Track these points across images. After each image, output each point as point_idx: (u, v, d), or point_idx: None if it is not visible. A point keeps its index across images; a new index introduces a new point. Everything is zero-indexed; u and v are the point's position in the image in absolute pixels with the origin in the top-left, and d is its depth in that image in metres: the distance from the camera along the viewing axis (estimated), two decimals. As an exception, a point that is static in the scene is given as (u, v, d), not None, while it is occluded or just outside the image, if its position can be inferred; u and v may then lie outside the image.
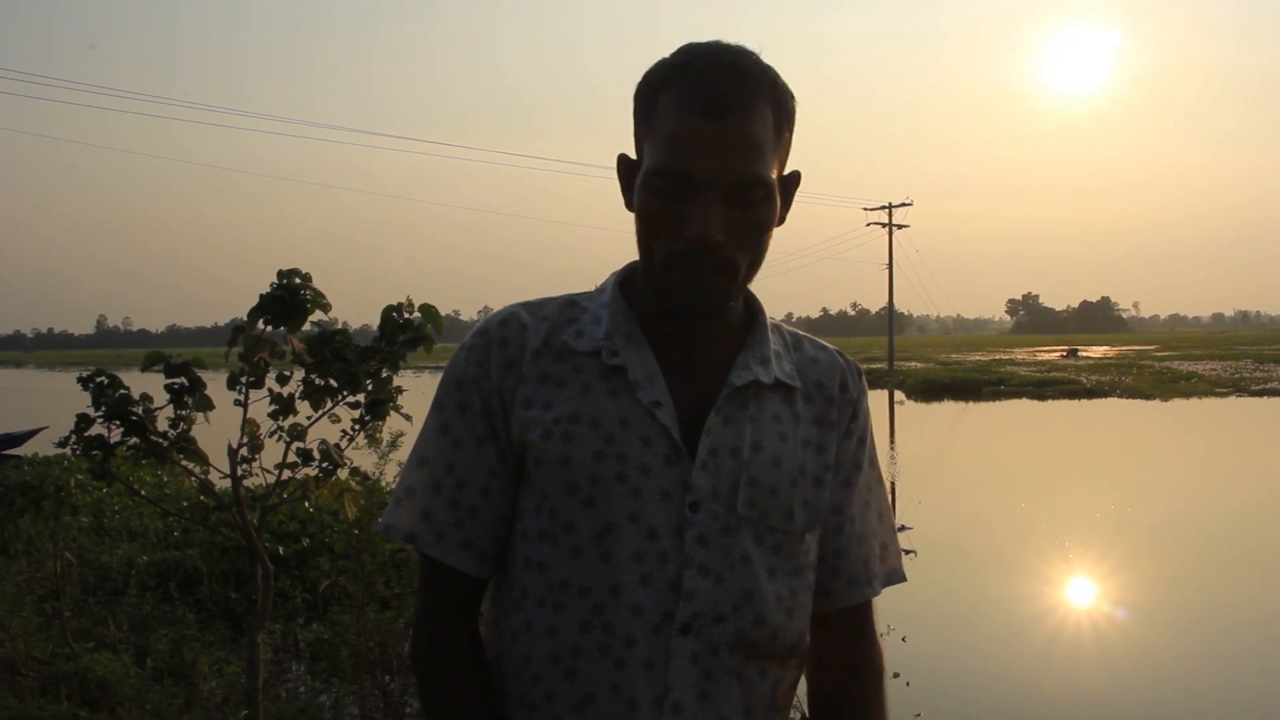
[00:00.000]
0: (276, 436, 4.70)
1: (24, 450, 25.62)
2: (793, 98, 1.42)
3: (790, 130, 1.43)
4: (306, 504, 11.02)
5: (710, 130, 1.34)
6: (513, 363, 1.45)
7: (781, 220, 1.47)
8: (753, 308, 1.54)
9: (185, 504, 11.23)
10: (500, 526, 1.46)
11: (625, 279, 1.53)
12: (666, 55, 1.42)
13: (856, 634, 1.58)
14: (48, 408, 46.35)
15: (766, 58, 1.41)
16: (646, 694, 1.37)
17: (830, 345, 1.60)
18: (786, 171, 1.46)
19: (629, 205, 1.46)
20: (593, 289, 1.56)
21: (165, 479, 15.63)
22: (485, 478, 1.45)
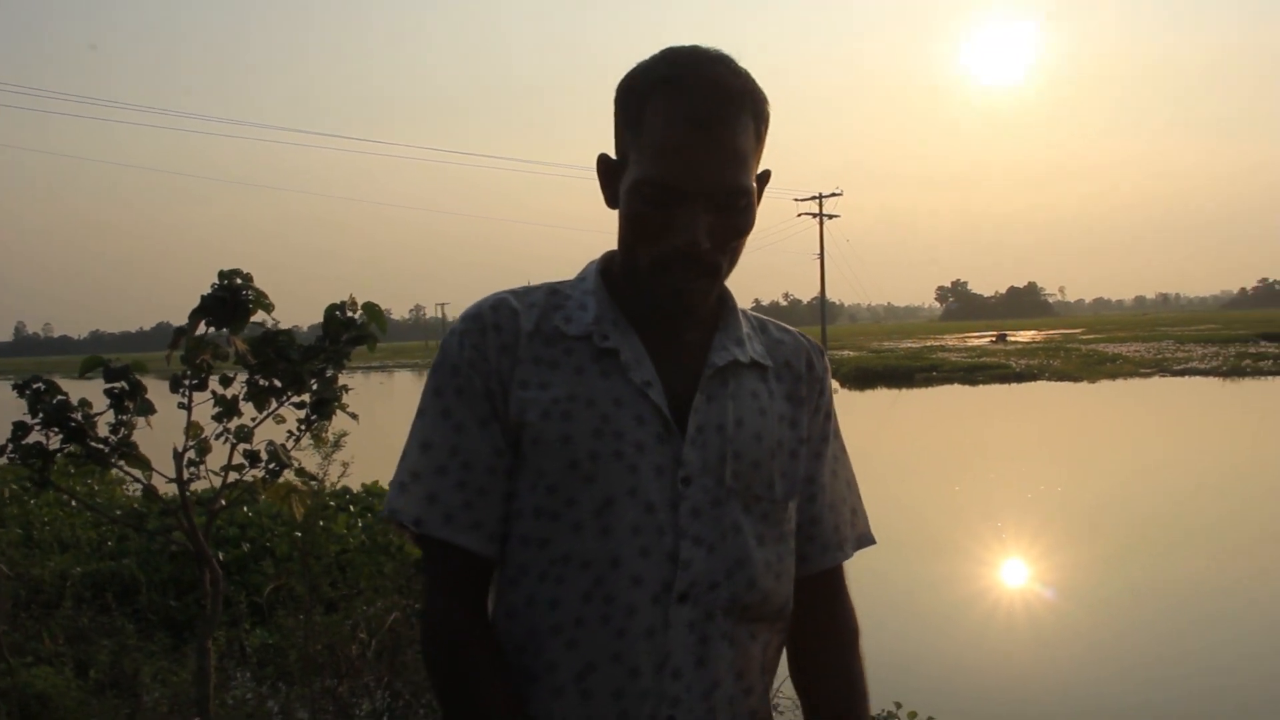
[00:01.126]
0: (223, 439, 4.63)
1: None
2: (767, 102, 1.50)
3: (766, 133, 1.51)
4: (246, 509, 10.88)
5: (699, 143, 1.41)
6: (508, 346, 1.49)
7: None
8: (722, 294, 1.61)
9: (119, 512, 11.01)
10: (506, 506, 1.50)
11: (605, 269, 1.60)
12: (646, 58, 1.50)
13: (832, 596, 1.67)
14: (-30, 419, 45.30)
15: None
16: (647, 661, 1.42)
17: (792, 328, 1.69)
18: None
19: (609, 203, 1.54)
20: (571, 278, 1.62)
21: (97, 488, 15.34)
22: (491, 458, 1.48)
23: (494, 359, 1.49)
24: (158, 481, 4.97)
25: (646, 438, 1.45)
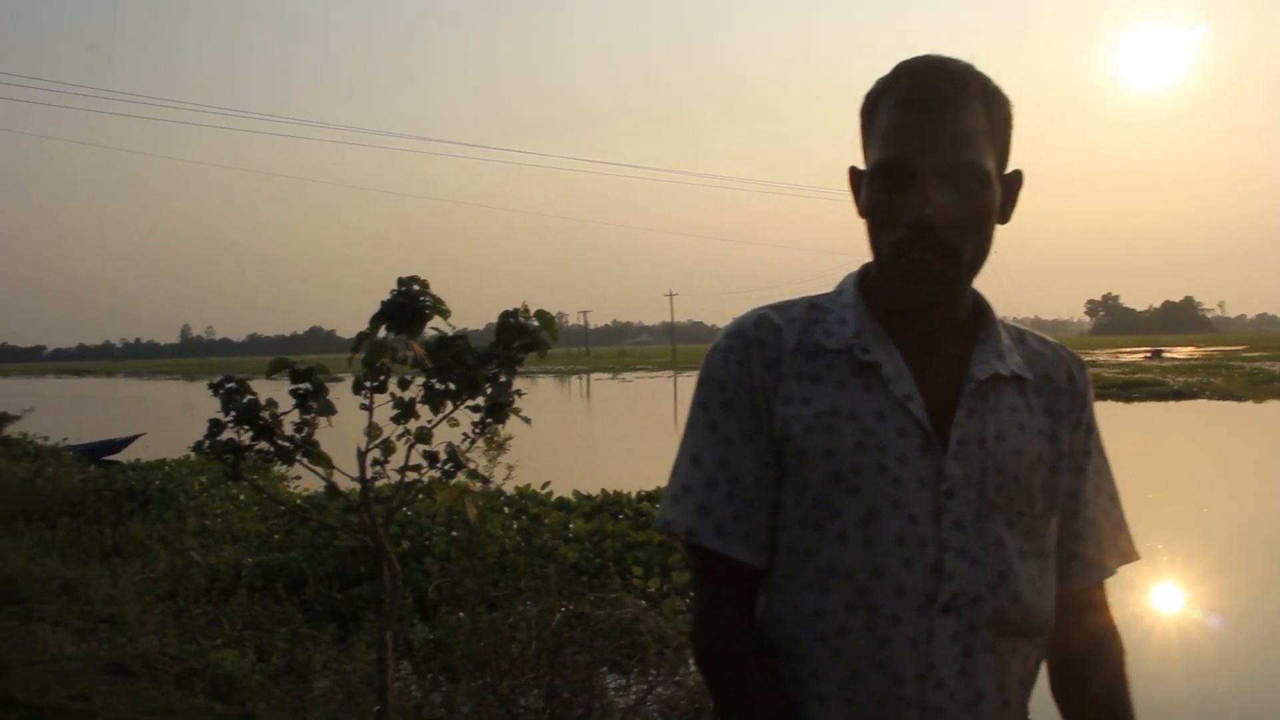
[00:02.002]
0: (403, 439, 4.82)
1: (123, 456, 26.40)
2: (1008, 101, 1.53)
3: (1007, 131, 1.53)
4: (406, 509, 11.21)
5: (924, 122, 1.45)
6: (772, 362, 1.54)
7: (1006, 218, 1.56)
8: (981, 305, 1.61)
9: (299, 503, 11.47)
10: (772, 517, 1.54)
11: (862, 281, 1.62)
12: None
13: (1094, 614, 1.65)
14: (139, 414, 47.59)
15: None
16: (911, 670, 1.45)
17: (1051, 339, 1.67)
18: (1008, 171, 1.55)
19: (860, 214, 1.55)
20: (830, 291, 1.65)
21: (262, 483, 16.01)
22: (757, 471, 1.53)
23: (758, 374, 1.53)
24: (333, 479, 5.20)
25: (908, 450, 1.47)
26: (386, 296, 5.00)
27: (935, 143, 1.44)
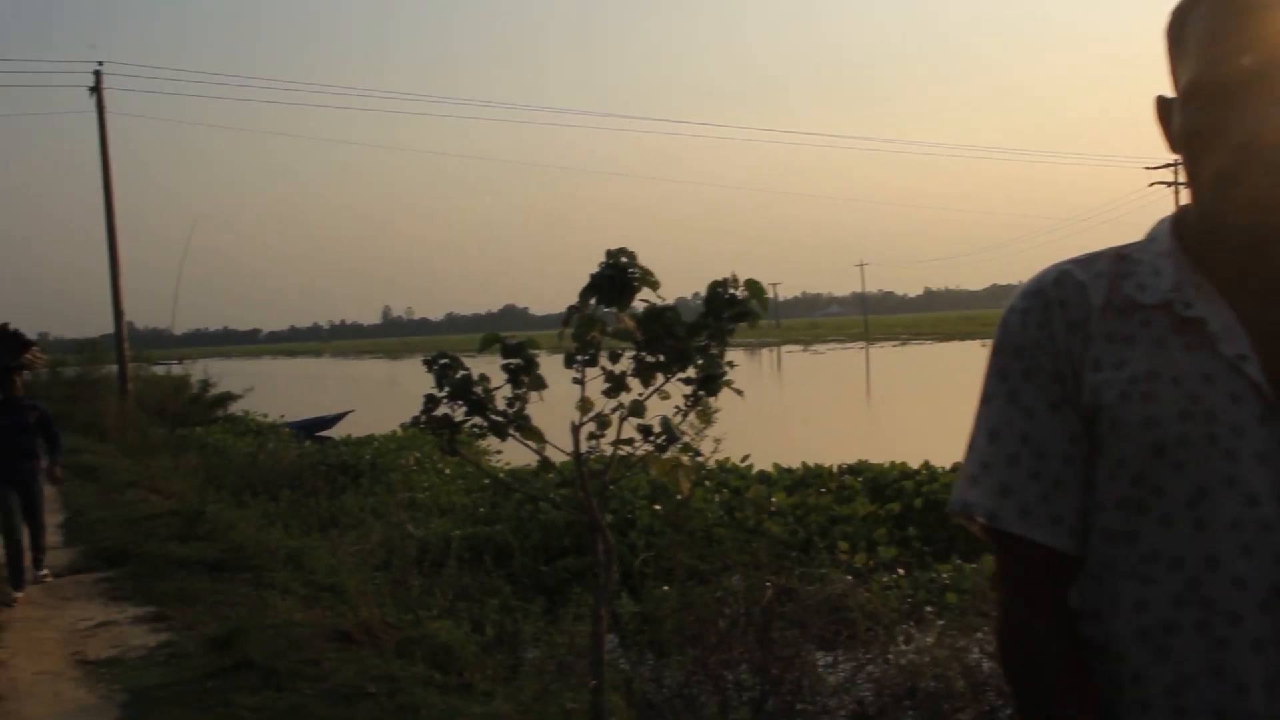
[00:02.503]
0: (618, 414, 4.79)
1: (334, 432, 27.61)
2: None
3: None
4: (619, 487, 11.29)
5: (1244, 26, 1.25)
6: (1077, 323, 1.35)
7: None
8: None
9: (502, 480, 11.71)
10: (1084, 497, 1.36)
11: (1176, 227, 1.40)
12: None
13: None
14: (347, 392, 49.70)
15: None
16: (1257, 678, 1.24)
17: None
18: None
19: (1172, 148, 1.35)
20: (1138, 240, 1.44)
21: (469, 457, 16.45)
22: (1065, 445, 1.35)
23: (1062, 338, 1.35)
24: (545, 453, 5.21)
25: (1245, 419, 1.25)
26: (589, 271, 4.96)
27: (1259, 47, 1.23)
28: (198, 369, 30.80)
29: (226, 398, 30.34)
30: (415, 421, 5.13)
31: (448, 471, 15.55)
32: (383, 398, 46.75)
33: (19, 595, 7.82)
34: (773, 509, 11.10)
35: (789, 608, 7.05)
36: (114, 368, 27.99)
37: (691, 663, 6.97)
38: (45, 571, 8.48)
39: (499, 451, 15.24)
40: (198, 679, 5.78)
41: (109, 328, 28.29)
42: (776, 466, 13.59)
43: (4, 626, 7.13)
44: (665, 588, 8.11)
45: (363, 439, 19.19)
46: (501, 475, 14.27)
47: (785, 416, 28.35)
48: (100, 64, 27.33)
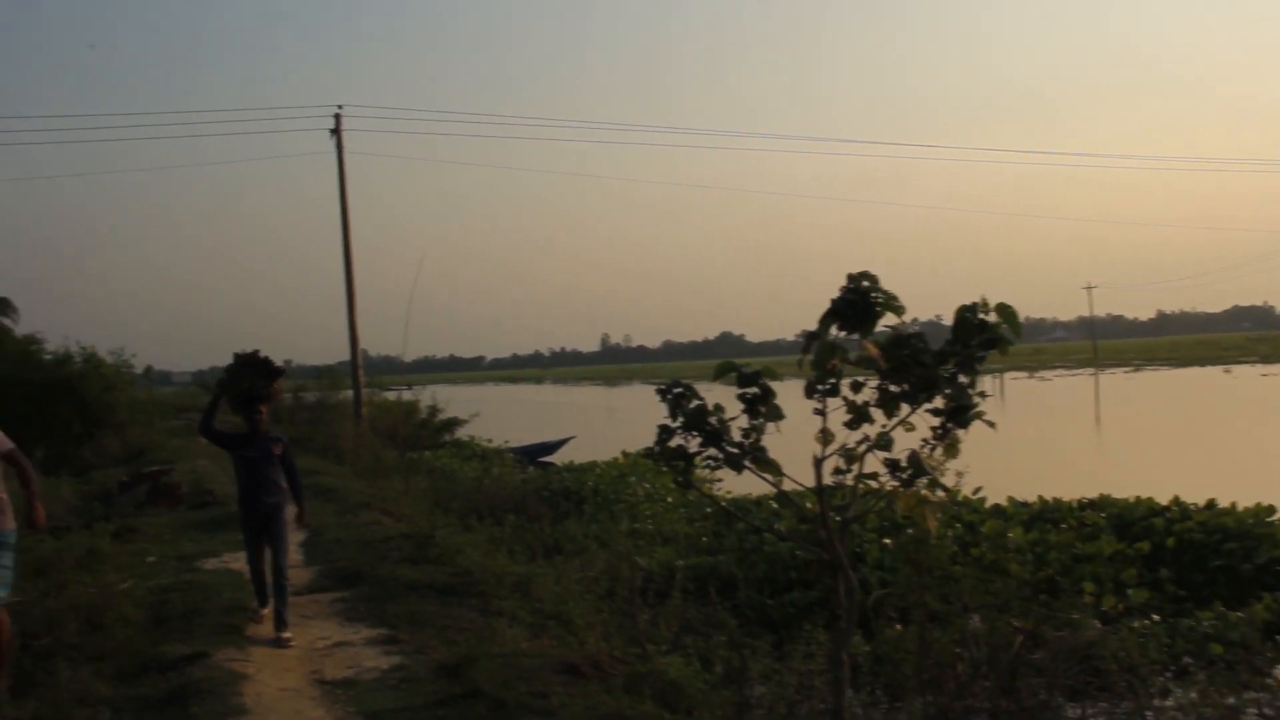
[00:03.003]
0: (862, 445, 4.52)
1: (556, 457, 28.06)
2: None
3: None
4: (835, 517, 10.93)
5: None
6: None
7: None
8: None
9: (740, 516, 11.51)
10: None
11: None
12: None
13: None
14: (567, 418, 50.66)
15: None
16: None
17: None
18: None
19: None
20: None
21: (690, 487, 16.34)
22: None
23: None
24: (782, 485, 4.97)
25: None
26: (807, 297, 4.73)
27: None
28: (426, 395, 31.90)
29: (453, 422, 31.29)
30: (649, 453, 4.98)
31: (670, 500, 15.46)
32: (603, 424, 47.44)
33: (266, 613, 7.84)
34: (1010, 546, 10.51)
35: (1038, 655, 6.58)
36: (349, 393, 29.32)
37: (931, 709, 6.58)
38: (289, 634, 7.47)
39: (720, 479, 15.08)
40: (429, 706, 5.78)
41: (345, 355, 29.72)
42: (1011, 500, 12.91)
43: (251, 642, 7.36)
44: (899, 627, 7.73)
45: (585, 465, 19.37)
46: (724, 504, 14.15)
47: (1015, 447, 27.14)
48: (340, 107, 28.85)
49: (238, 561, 10.56)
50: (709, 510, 14.12)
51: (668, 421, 4.97)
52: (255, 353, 8.15)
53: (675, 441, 4.94)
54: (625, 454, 20.24)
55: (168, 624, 7.80)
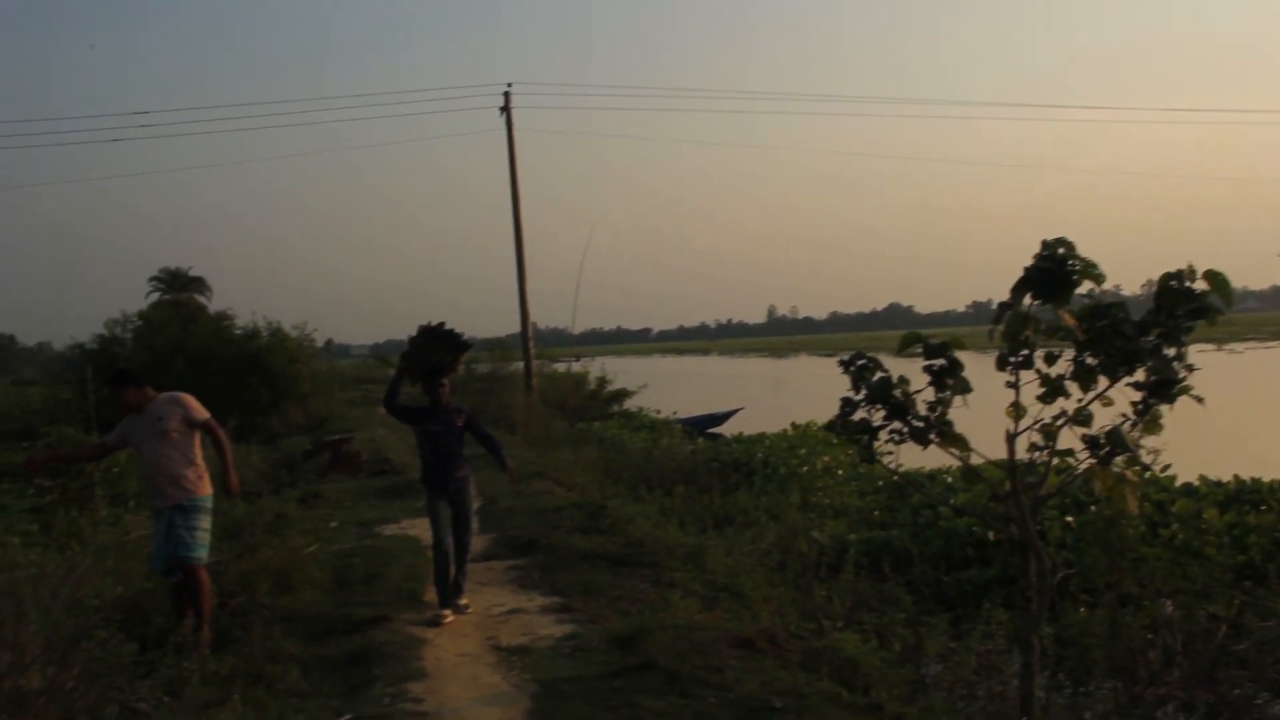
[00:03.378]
0: (1059, 421, 4.29)
1: (724, 429, 27.98)
2: None
3: None
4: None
5: None
6: None
7: None
8: None
9: (915, 487, 11.24)
10: None
11: None
12: None
13: None
14: (734, 389, 50.46)
15: None
16: None
17: None
18: None
19: None
20: None
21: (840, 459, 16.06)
22: None
23: None
24: (969, 460, 4.77)
25: None
26: (979, 268, 4.50)
27: None
28: (595, 366, 32.22)
29: (622, 394, 31.54)
30: (830, 426, 4.85)
31: (840, 472, 15.22)
32: (771, 396, 47.12)
33: (447, 616, 7.23)
34: (1205, 528, 9.97)
35: (1241, 646, 6.20)
36: (520, 365, 29.84)
37: (1121, 696, 6.28)
38: (465, 600, 7.54)
39: (889, 452, 14.76)
40: (603, 676, 5.79)
41: (516, 328, 30.23)
42: (1203, 479, 12.22)
43: (430, 606, 7.52)
44: (1083, 611, 7.40)
45: (754, 437, 19.18)
46: (901, 478, 13.82)
47: (1203, 423, 25.83)
48: (509, 85, 29.24)
49: (415, 528, 10.86)
50: (881, 484, 13.84)
51: (850, 394, 4.82)
52: (440, 325, 7.86)
53: (858, 415, 4.79)
54: (794, 426, 20.02)
55: (350, 587, 8.06)
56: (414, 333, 7.80)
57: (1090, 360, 4.47)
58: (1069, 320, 4.38)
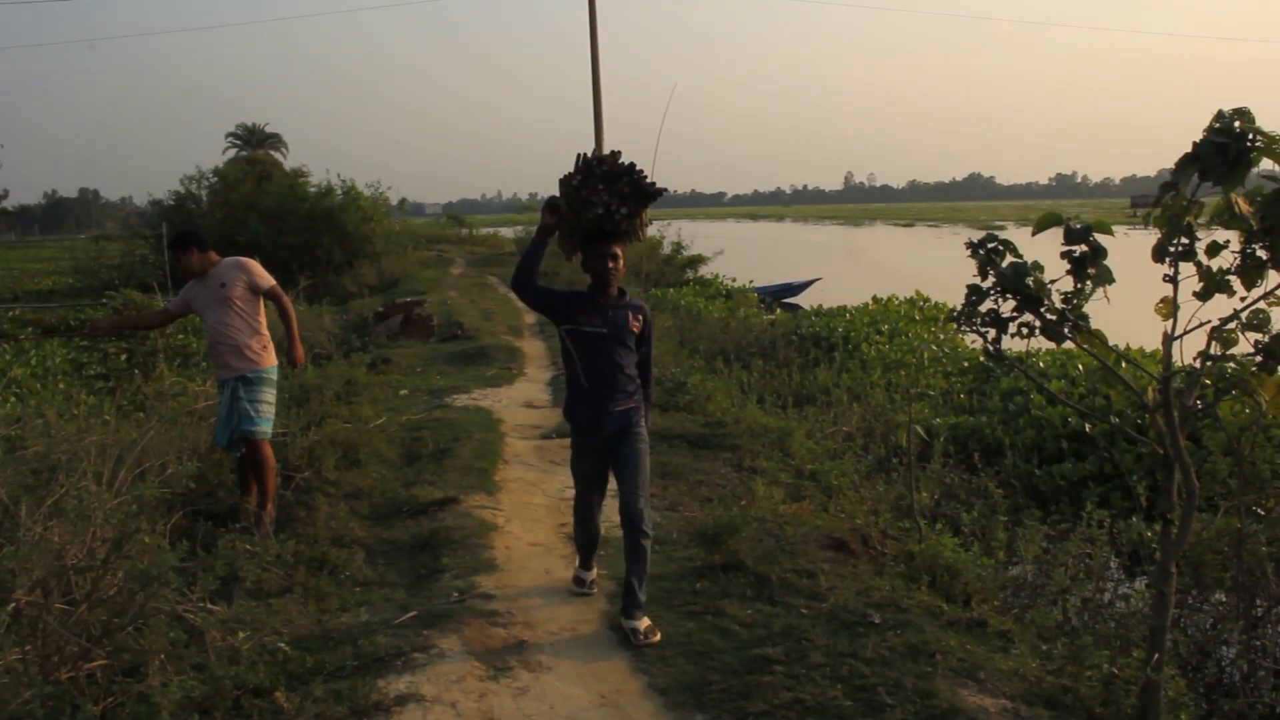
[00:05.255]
0: (1233, 325, 3.73)
1: (802, 299, 27.36)
2: None
3: None
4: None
5: None
6: None
7: None
8: None
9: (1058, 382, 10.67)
10: None
11: None
12: None
13: None
14: (810, 258, 49.52)
15: None
16: None
17: None
18: None
19: None
20: None
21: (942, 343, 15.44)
22: None
23: None
24: (1111, 360, 4.23)
25: None
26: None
27: None
28: (670, 231, 31.57)
29: (697, 260, 30.91)
30: (954, 317, 4.32)
31: (927, 355, 14.63)
32: (848, 266, 46.15)
33: (593, 575, 5.40)
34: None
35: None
36: (595, 227, 29.21)
37: (1224, 606, 5.80)
38: (644, 622, 4.79)
39: (1098, 360, 14.08)
40: (685, 575, 5.42)
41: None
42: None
43: (500, 488, 7.21)
44: (1204, 516, 6.89)
45: (834, 310, 18.57)
46: (1015, 360, 13.20)
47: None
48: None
49: (486, 399, 10.55)
50: (966, 364, 13.26)
51: (977, 280, 4.27)
52: (614, 156, 5.05)
53: (986, 305, 4.25)
54: (875, 299, 19.38)
55: (419, 463, 7.75)
56: (573, 169, 5.06)
57: (1261, 253, 3.87)
58: (1243, 205, 3.77)
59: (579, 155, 5.07)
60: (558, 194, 5.08)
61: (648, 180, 5.05)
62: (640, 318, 5.15)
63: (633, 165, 5.06)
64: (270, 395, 6.44)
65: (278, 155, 55.22)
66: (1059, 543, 6.69)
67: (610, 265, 5.06)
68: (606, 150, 5.19)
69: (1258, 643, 5.48)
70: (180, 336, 8.86)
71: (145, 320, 7.41)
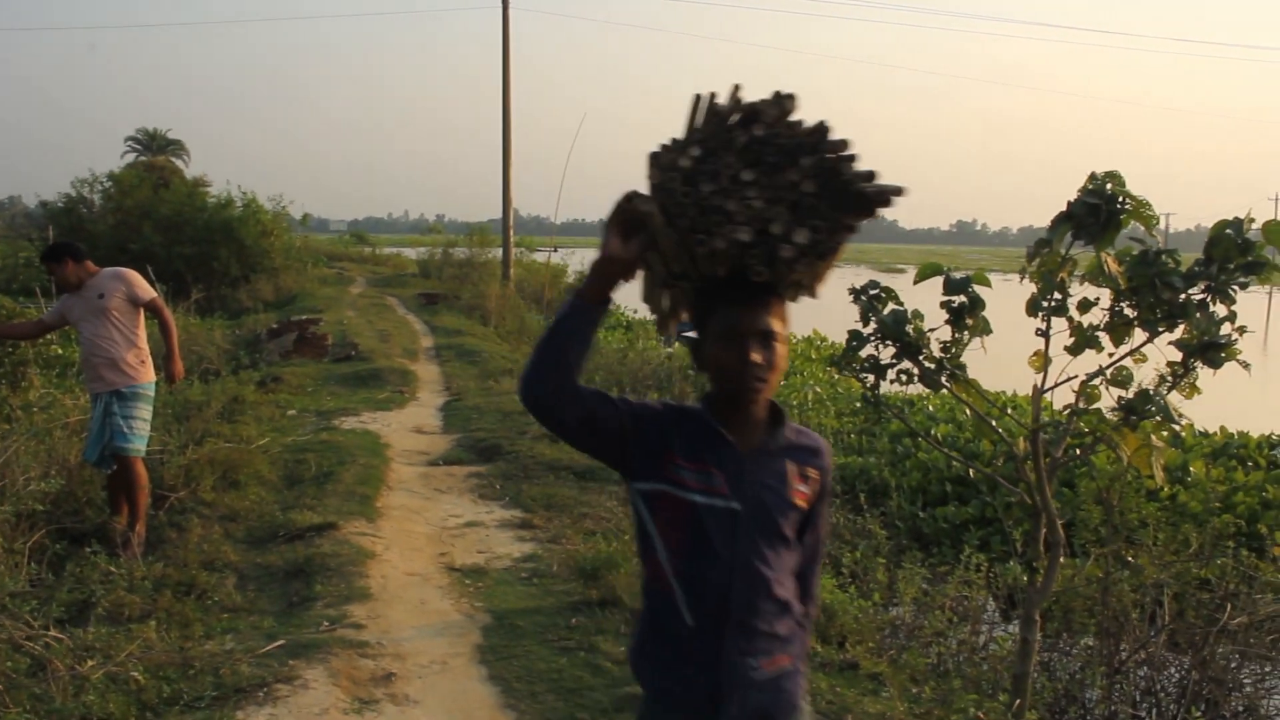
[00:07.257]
0: (1100, 380, 3.83)
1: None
2: None
3: None
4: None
5: None
6: None
7: None
8: None
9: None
10: None
11: None
12: None
13: None
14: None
15: None
16: None
17: None
18: None
19: None
20: None
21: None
22: None
23: None
24: (982, 409, 4.33)
25: None
26: (1049, 191, 3.98)
27: None
28: (575, 258, 31.51)
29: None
30: (835, 361, 4.38)
31: (819, 390, 14.82)
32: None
33: None
34: (1188, 479, 9.63)
35: (1230, 616, 5.82)
36: (498, 252, 29.11)
37: (1092, 654, 5.95)
38: None
39: (968, 407, 14.23)
40: (561, 609, 5.37)
41: (497, 213, 29.42)
42: (1190, 428, 11.82)
43: (382, 514, 7.09)
44: (1075, 561, 7.04)
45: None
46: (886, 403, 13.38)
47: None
48: (507, -44, 27.92)
49: (375, 423, 10.39)
50: (858, 405, 13.44)
51: (859, 327, 4.34)
52: (783, 100, 2.19)
53: (867, 351, 4.32)
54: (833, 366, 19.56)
55: (300, 486, 7.58)
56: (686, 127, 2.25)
57: (1128, 311, 4.00)
58: (1113, 265, 3.89)
59: (695, 97, 2.25)
60: (648, 185, 2.28)
61: (860, 169, 2.23)
62: (815, 473, 2.34)
63: (824, 129, 2.21)
64: (146, 412, 6.26)
65: (179, 162, 53.87)
66: (938, 585, 6.81)
67: (757, 358, 2.21)
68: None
69: (1119, 688, 5.62)
70: (54, 347, 8.55)
71: (17, 330, 7.16)
